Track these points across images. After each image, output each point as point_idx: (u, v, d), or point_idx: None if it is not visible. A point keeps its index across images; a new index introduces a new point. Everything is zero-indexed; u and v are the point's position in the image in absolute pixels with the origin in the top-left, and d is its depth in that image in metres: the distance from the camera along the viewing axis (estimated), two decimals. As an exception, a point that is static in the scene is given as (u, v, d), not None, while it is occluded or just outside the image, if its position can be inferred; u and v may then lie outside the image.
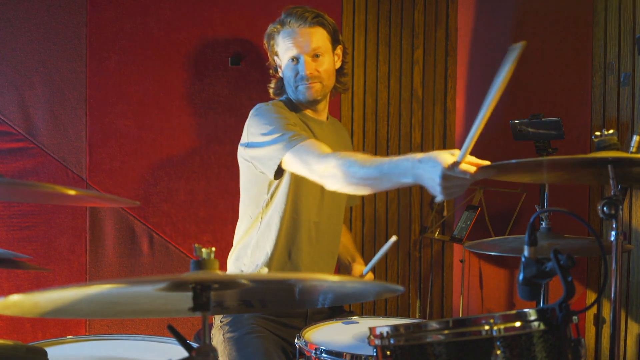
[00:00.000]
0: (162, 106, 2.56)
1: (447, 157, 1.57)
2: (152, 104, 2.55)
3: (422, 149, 3.06)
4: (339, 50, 2.24)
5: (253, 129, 2.10)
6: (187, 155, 2.60)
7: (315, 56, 2.14)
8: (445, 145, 3.09)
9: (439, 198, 1.61)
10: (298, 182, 2.11)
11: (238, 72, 2.64)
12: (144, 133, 2.54)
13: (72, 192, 1.35)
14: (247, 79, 2.65)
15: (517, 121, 2.45)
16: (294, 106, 2.23)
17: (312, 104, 2.21)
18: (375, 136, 2.97)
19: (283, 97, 2.26)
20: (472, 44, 3.06)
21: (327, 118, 2.31)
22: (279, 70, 2.25)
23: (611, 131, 1.61)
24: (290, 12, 2.16)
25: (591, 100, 2.51)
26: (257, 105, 2.16)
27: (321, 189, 2.05)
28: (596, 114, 2.50)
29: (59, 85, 2.42)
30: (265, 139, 2.04)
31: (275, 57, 2.24)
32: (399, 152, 3.01)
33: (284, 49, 2.16)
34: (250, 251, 2.18)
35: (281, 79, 2.26)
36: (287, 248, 2.16)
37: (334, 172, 1.83)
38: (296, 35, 2.13)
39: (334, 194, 2.09)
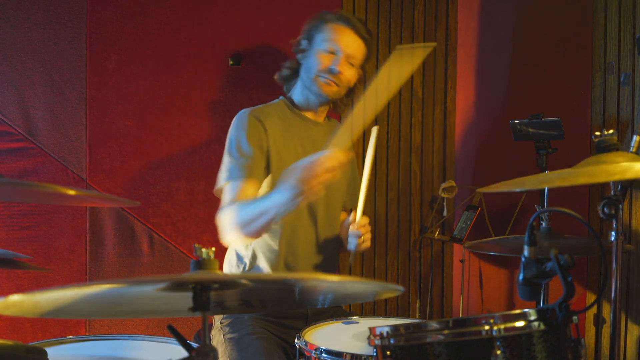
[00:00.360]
0: (162, 106, 2.56)
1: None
2: (152, 104, 2.55)
3: (422, 149, 3.06)
4: (358, 74, 2.26)
5: (227, 138, 2.18)
6: (187, 155, 2.60)
7: (350, 63, 2.18)
8: (445, 145, 3.10)
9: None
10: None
11: (238, 72, 2.64)
12: (144, 133, 2.54)
13: (72, 192, 1.35)
14: (247, 79, 2.65)
15: (517, 121, 2.45)
16: (292, 106, 2.24)
17: (317, 99, 2.20)
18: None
19: (279, 99, 2.27)
20: (472, 44, 3.06)
21: (325, 119, 2.32)
22: (299, 52, 2.24)
23: (611, 131, 1.61)
24: (349, 16, 2.21)
25: (591, 100, 2.51)
26: (239, 113, 2.18)
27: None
28: (596, 114, 2.50)
29: (59, 85, 2.42)
30: (225, 155, 2.15)
31: (305, 40, 2.23)
32: (399, 152, 3.01)
33: (326, 38, 2.17)
34: (247, 260, 2.19)
35: (295, 63, 2.25)
36: (284, 257, 2.17)
37: (226, 221, 2.01)
38: (347, 34, 2.17)
39: (328, 202, 2.20)
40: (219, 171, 2.15)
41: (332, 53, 2.16)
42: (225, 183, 2.10)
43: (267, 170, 2.14)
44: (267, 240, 2.15)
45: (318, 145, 2.16)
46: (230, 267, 2.23)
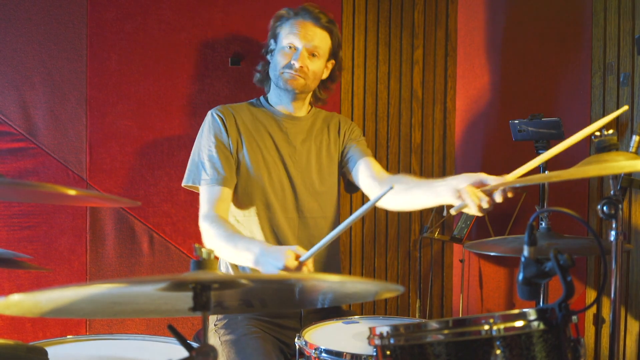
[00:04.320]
0: (162, 106, 2.56)
1: (291, 259, 1.79)
2: (153, 104, 2.55)
3: (422, 149, 3.06)
4: (330, 65, 2.29)
5: (198, 135, 2.23)
6: (187, 155, 2.59)
7: (312, 55, 2.20)
8: (445, 145, 3.10)
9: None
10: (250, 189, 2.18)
11: (238, 72, 2.64)
12: (144, 133, 2.54)
13: (72, 192, 1.35)
14: (247, 79, 2.65)
15: (517, 121, 2.45)
16: (266, 102, 2.29)
17: (288, 94, 2.23)
18: (375, 136, 2.97)
19: (254, 99, 2.32)
20: (472, 44, 3.06)
21: (309, 112, 2.34)
22: (268, 53, 2.29)
23: (610, 131, 1.62)
24: (307, 8, 2.23)
25: (591, 100, 2.52)
26: (210, 112, 2.22)
27: (289, 183, 2.20)
28: (596, 114, 2.51)
29: (59, 86, 2.42)
30: (192, 153, 2.20)
31: (272, 40, 2.28)
32: (399, 152, 3.02)
33: (287, 34, 2.21)
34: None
35: (267, 64, 2.30)
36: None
37: (204, 233, 2.06)
38: (305, 27, 2.19)
39: (308, 186, 2.22)
40: (189, 164, 2.21)
41: (294, 48, 2.19)
42: (201, 185, 2.14)
43: (237, 163, 2.18)
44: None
45: (291, 139, 2.24)
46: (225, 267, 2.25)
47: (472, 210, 1.87)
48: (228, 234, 1.99)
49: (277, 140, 2.23)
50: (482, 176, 1.87)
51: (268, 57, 2.29)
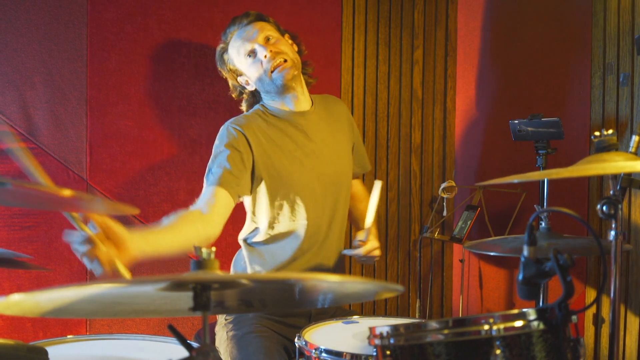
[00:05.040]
0: (162, 106, 2.57)
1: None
2: (153, 104, 2.55)
3: (422, 149, 3.06)
4: (288, 39, 2.23)
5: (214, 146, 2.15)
6: (187, 155, 2.60)
7: (267, 40, 2.14)
8: (445, 145, 3.10)
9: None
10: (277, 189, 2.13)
11: (238, 72, 2.64)
12: (145, 133, 2.54)
13: (67, 193, 1.35)
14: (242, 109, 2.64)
15: (516, 121, 2.45)
16: (271, 110, 2.20)
17: (289, 92, 2.15)
18: (375, 136, 2.97)
19: (256, 107, 2.23)
20: (472, 44, 3.06)
21: (312, 104, 2.25)
22: (246, 88, 2.23)
23: (610, 131, 1.62)
24: (229, 24, 2.19)
25: (590, 100, 2.52)
26: (224, 126, 2.14)
27: (315, 186, 2.15)
28: (595, 114, 2.51)
29: (59, 86, 2.43)
30: (210, 162, 2.09)
31: (239, 77, 2.22)
32: (399, 152, 3.02)
33: (237, 53, 2.16)
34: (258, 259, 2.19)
35: (250, 95, 2.25)
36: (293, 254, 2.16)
37: None
38: (243, 32, 2.15)
39: (330, 189, 2.18)
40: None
41: (253, 53, 2.13)
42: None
43: (254, 176, 2.09)
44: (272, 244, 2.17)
45: (310, 132, 2.17)
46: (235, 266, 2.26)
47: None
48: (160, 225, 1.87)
49: (298, 140, 2.16)
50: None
51: (248, 88, 2.22)
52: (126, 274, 1.55)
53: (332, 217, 2.18)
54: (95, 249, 1.49)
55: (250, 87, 2.23)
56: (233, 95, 2.29)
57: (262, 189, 2.11)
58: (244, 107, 2.30)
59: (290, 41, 2.23)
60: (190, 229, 1.83)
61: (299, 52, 2.24)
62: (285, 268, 2.15)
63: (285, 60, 2.11)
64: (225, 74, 2.25)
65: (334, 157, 2.21)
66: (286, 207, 2.12)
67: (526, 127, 2.41)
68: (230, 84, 2.27)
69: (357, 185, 2.42)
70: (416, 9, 3.03)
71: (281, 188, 2.11)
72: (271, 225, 2.14)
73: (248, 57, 2.14)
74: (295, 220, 2.13)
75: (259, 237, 2.17)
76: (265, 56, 2.10)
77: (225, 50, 2.20)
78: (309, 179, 2.14)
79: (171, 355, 1.47)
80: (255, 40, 2.12)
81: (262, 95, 2.22)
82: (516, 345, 1.25)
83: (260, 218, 2.16)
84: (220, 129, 2.15)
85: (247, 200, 2.17)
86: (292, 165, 2.12)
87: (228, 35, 2.19)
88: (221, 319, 2.17)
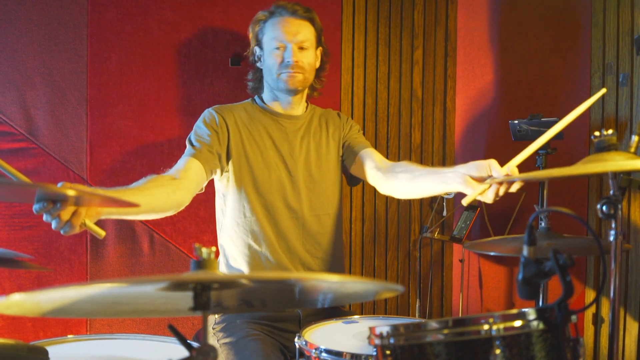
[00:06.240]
0: (162, 106, 2.57)
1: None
2: (153, 104, 2.56)
3: (422, 149, 3.06)
4: (318, 52, 2.28)
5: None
6: (187, 155, 2.60)
7: (301, 48, 2.18)
8: (445, 145, 3.10)
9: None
10: (246, 181, 2.17)
11: (238, 72, 2.64)
12: (145, 133, 2.55)
13: (72, 193, 1.35)
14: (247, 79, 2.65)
15: (516, 121, 2.45)
16: (262, 103, 2.27)
17: (288, 95, 2.22)
18: (375, 136, 2.97)
19: (249, 100, 2.31)
20: (472, 44, 3.06)
21: (306, 109, 2.32)
22: (257, 61, 2.28)
23: (610, 131, 1.62)
24: (281, 4, 2.21)
25: (590, 100, 2.52)
26: (207, 110, 2.21)
27: (289, 179, 2.19)
28: (595, 114, 2.51)
29: (60, 86, 2.43)
30: (188, 136, 2.14)
31: (256, 48, 2.26)
32: (399, 152, 3.02)
33: (271, 37, 2.19)
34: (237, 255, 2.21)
35: (258, 71, 2.29)
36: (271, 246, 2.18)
37: None
38: (286, 24, 2.18)
39: (310, 183, 2.22)
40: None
41: (283, 47, 2.17)
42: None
43: (227, 160, 2.15)
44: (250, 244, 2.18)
45: (290, 137, 2.23)
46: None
47: (488, 198, 1.84)
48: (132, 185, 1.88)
49: (276, 139, 2.22)
50: (492, 162, 1.84)
51: (258, 64, 2.28)
52: (99, 232, 1.59)
53: (302, 224, 2.21)
54: (63, 209, 1.55)
55: (259, 65, 2.27)
56: (249, 58, 2.31)
57: (231, 179, 2.16)
58: (249, 85, 2.35)
59: (318, 55, 2.28)
60: (160, 191, 1.84)
61: (320, 69, 2.30)
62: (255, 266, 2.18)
63: (300, 74, 2.17)
64: (250, 34, 2.28)
65: (313, 162, 2.25)
66: (250, 201, 2.16)
67: (526, 127, 2.42)
68: (250, 48, 2.30)
69: (406, 164, 2.23)
70: (416, 9, 3.03)
71: (249, 180, 2.16)
72: (236, 220, 2.19)
73: (276, 48, 2.18)
74: (257, 218, 2.16)
75: (228, 233, 2.21)
76: (288, 60, 2.16)
77: (265, 20, 2.22)
78: (278, 177, 2.18)
79: (171, 355, 1.47)
80: (291, 41, 2.16)
81: (264, 82, 2.28)
82: (516, 345, 1.25)
83: (228, 213, 2.21)
84: (204, 111, 2.21)
85: (219, 200, 2.24)
86: (265, 160, 2.18)
87: (274, 13, 2.21)
88: (209, 327, 2.17)
